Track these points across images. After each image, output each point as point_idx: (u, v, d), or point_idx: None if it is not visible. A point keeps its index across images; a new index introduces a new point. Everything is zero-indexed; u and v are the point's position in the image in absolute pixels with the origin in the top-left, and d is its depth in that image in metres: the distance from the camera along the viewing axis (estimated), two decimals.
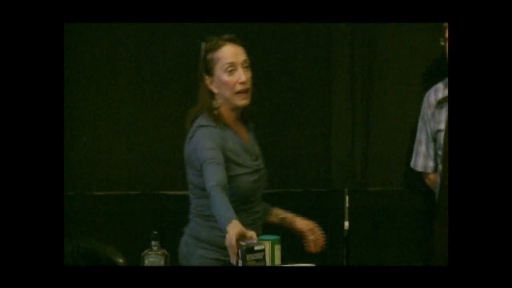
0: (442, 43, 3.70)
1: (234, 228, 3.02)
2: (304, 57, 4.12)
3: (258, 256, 3.01)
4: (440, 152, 3.78)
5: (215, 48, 3.39)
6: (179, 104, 4.05)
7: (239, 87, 3.36)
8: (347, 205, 4.17)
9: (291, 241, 3.52)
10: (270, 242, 3.17)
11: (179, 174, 4.05)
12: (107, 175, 4.08)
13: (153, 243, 3.19)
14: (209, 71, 3.40)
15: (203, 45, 3.43)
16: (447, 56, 3.68)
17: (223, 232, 3.08)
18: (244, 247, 2.98)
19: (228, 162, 3.32)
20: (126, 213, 4.07)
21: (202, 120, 3.40)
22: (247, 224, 3.23)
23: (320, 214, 4.02)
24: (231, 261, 3.05)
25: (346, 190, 4.19)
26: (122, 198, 4.09)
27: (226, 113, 3.42)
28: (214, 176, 3.21)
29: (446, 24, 3.67)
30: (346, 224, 4.17)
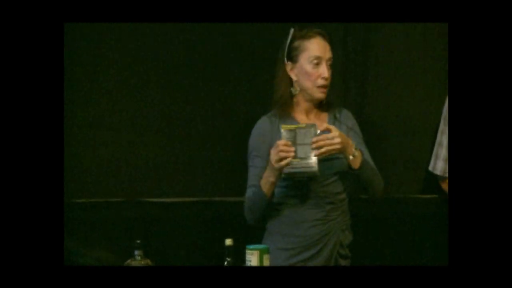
0: None
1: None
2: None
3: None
4: None
5: (305, 37, 3.48)
6: (168, 108, 4.04)
7: (321, 82, 3.46)
8: None
9: None
10: (258, 251, 3.13)
11: (165, 180, 4.03)
12: (90, 181, 3.98)
13: (136, 252, 3.12)
14: (293, 58, 3.49)
15: (292, 31, 3.50)
16: None
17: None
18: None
19: None
20: (108, 221, 3.95)
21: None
22: (311, 208, 3.45)
23: None
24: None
25: None
26: (104, 205, 3.98)
27: (301, 102, 3.52)
28: (250, 179, 3.48)
29: None
30: None
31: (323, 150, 3.30)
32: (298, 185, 3.44)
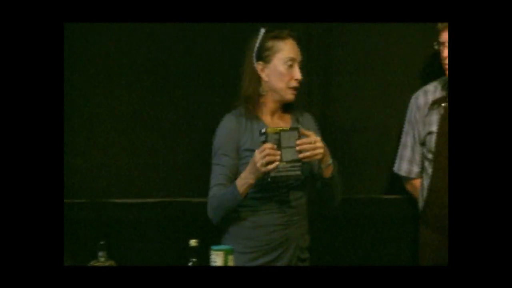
0: (436, 47, 3.67)
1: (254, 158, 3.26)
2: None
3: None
4: (430, 155, 3.76)
5: (279, 38, 3.46)
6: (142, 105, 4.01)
7: (293, 83, 3.46)
8: None
9: None
10: (223, 252, 3.11)
11: (128, 181, 3.98)
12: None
13: (100, 253, 3.10)
14: (265, 58, 3.47)
15: (262, 31, 3.48)
16: (442, 59, 3.67)
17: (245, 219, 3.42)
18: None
19: (245, 151, 3.41)
20: (72, 222, 3.85)
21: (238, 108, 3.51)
22: (273, 212, 3.42)
23: None
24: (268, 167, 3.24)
25: None
26: (68, 206, 3.79)
27: (266, 103, 3.50)
28: (215, 178, 3.42)
29: (440, 27, 3.65)
30: None
31: (307, 154, 3.30)
32: (262, 189, 3.41)
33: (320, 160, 3.38)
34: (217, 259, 3.09)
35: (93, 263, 3.10)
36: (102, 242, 3.11)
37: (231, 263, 3.11)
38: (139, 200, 3.99)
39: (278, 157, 3.25)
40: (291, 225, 3.45)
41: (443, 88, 3.76)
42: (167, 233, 3.96)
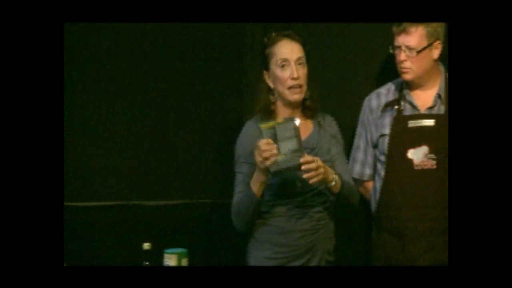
0: (391, 51, 3.68)
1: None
2: (216, 61, 4.03)
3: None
4: (382, 158, 3.75)
5: (272, 43, 3.48)
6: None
7: (290, 83, 3.44)
8: None
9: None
10: (176, 255, 3.10)
11: (82, 184, 3.92)
12: None
13: None
14: (266, 66, 3.50)
15: (264, 41, 3.51)
16: (398, 63, 3.66)
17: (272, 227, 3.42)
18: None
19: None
20: None
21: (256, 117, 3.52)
22: (300, 218, 3.42)
23: None
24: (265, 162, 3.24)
25: None
26: None
27: (281, 108, 3.50)
28: (237, 186, 3.42)
29: (395, 31, 3.66)
30: None
31: (311, 175, 3.28)
32: (287, 194, 3.41)
33: (325, 180, 3.37)
34: (170, 262, 3.10)
35: None
36: None
37: (184, 265, 3.10)
38: (92, 204, 3.95)
39: (274, 151, 3.25)
40: (318, 229, 3.46)
41: (396, 90, 3.77)
42: (120, 236, 3.91)
